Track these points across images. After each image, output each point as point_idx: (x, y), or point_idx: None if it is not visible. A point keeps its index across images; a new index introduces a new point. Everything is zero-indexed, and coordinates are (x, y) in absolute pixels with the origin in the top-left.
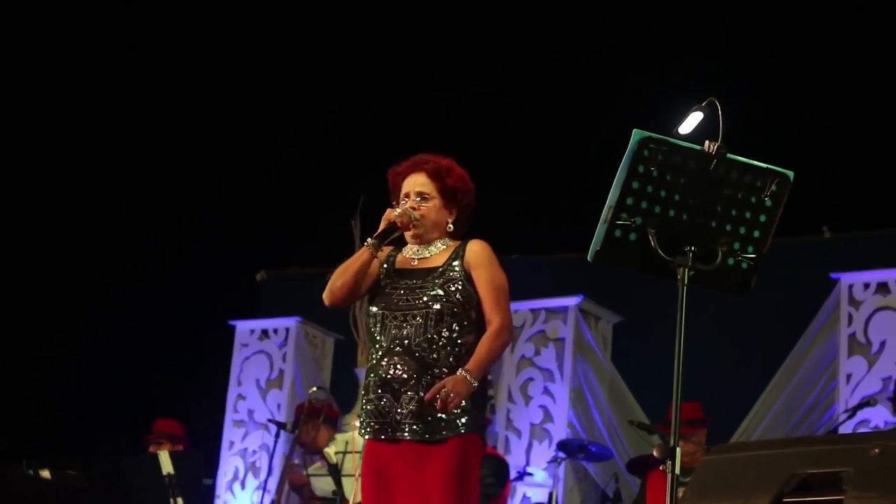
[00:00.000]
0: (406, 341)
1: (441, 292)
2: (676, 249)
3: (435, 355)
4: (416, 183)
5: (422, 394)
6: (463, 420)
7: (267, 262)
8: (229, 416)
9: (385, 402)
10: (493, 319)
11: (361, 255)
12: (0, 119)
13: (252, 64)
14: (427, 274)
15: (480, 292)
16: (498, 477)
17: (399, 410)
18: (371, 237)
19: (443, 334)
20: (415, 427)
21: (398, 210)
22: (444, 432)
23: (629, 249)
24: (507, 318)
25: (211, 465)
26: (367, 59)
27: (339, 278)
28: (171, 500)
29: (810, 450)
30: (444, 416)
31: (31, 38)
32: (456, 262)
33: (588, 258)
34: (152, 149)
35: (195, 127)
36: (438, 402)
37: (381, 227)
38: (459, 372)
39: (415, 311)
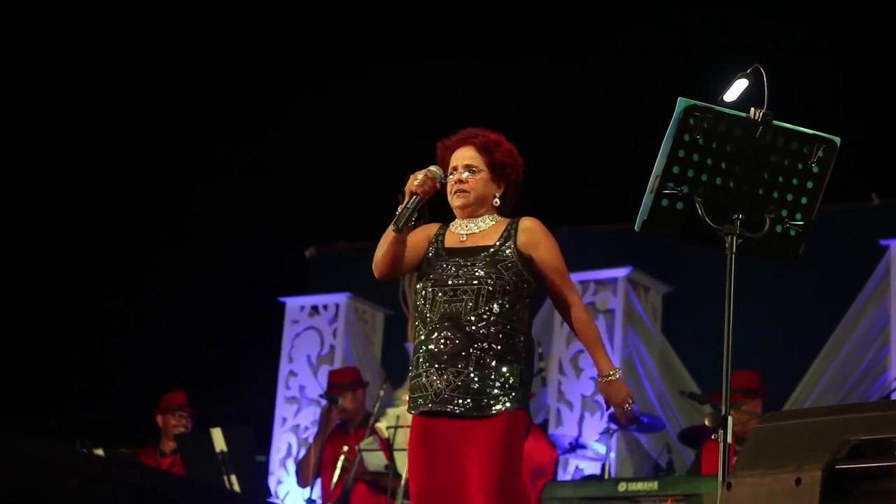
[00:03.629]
0: (457, 316)
1: (492, 271)
2: (724, 217)
3: (484, 330)
4: (464, 156)
5: (471, 368)
6: (511, 396)
7: (315, 237)
8: (281, 393)
9: (433, 377)
10: (572, 300)
11: (388, 236)
12: (53, 92)
13: (293, 34)
14: (478, 252)
15: (547, 272)
16: None
17: (446, 385)
18: (394, 221)
19: (493, 310)
20: (462, 401)
21: (419, 176)
22: (491, 408)
23: (676, 218)
24: (578, 293)
25: (263, 441)
26: (412, 28)
27: (378, 252)
28: (225, 478)
29: (863, 416)
30: (491, 391)
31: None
32: (508, 244)
33: (635, 228)
34: (203, 127)
35: (241, 103)
36: (626, 414)
37: (406, 202)
38: (603, 379)
39: (465, 287)
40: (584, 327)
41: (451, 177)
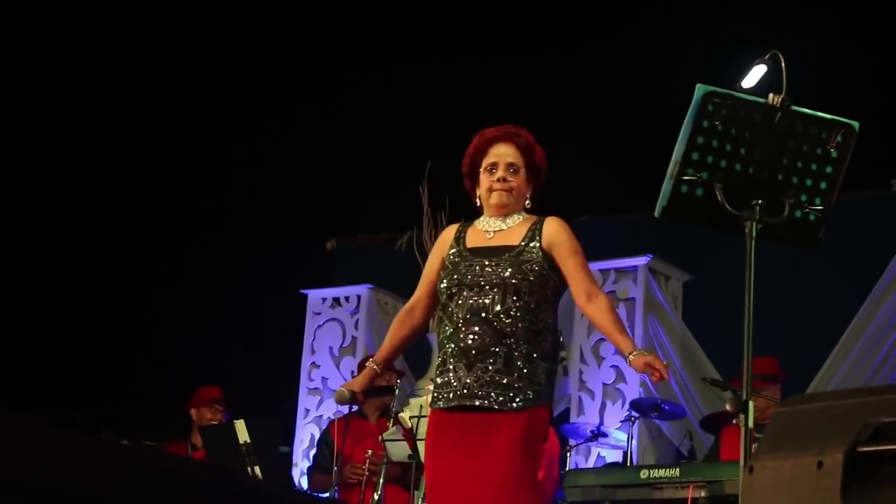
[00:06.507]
0: (483, 312)
1: (517, 271)
2: (743, 203)
3: (512, 327)
4: (506, 154)
5: (500, 363)
6: (535, 391)
7: (336, 230)
8: (304, 385)
9: (462, 372)
10: (593, 292)
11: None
12: (81, 86)
13: (314, 32)
14: (503, 252)
15: (567, 270)
16: None
17: (475, 380)
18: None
19: (520, 307)
20: (489, 395)
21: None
22: (515, 403)
23: (696, 205)
24: (599, 286)
25: (287, 432)
26: (434, 22)
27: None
28: (249, 469)
29: (884, 398)
30: (518, 386)
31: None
32: (533, 244)
33: (655, 214)
34: (226, 123)
35: (265, 98)
36: (658, 374)
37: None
38: (635, 353)
39: (492, 284)
40: (608, 315)
41: (487, 173)
